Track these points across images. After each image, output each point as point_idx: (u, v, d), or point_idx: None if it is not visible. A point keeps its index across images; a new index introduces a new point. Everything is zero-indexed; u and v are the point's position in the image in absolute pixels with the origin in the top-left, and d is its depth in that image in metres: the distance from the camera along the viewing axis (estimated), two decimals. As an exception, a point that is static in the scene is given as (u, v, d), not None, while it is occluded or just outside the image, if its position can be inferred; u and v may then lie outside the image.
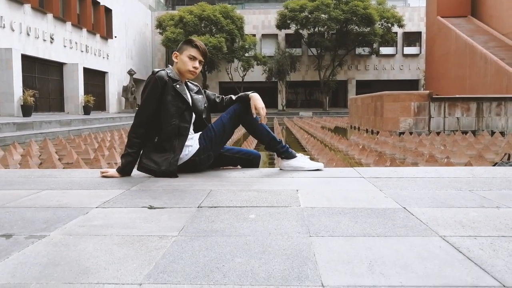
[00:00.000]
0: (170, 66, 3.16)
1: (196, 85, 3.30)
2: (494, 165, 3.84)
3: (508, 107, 12.24)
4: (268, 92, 38.93)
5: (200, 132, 3.14)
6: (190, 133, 3.05)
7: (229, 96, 3.35)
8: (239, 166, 3.44)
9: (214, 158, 3.16)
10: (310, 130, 14.27)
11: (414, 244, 1.51)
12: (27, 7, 18.92)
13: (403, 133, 11.55)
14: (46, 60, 20.88)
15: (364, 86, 38.44)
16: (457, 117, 12.20)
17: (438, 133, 11.33)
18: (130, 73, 28.31)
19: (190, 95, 3.15)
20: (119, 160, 7.01)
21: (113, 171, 3.02)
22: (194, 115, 3.11)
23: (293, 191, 2.44)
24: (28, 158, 6.17)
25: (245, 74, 35.01)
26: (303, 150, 8.79)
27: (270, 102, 38.87)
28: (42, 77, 20.99)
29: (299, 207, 2.06)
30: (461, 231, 1.66)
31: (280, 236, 1.60)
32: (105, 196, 2.33)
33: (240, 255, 1.39)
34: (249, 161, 3.35)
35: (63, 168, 6.12)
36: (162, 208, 2.05)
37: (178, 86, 3.00)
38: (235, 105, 3.18)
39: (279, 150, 3.20)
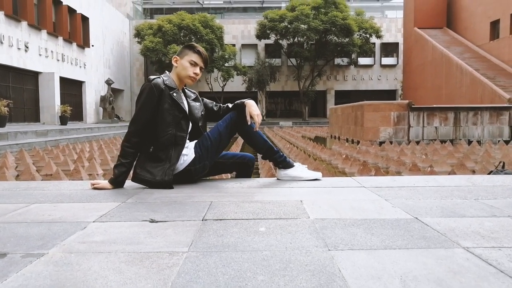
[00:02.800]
0: (167, 72, 3.04)
1: (193, 92, 3.20)
2: (489, 173, 3.83)
3: (484, 117, 12.49)
4: (247, 102, 38.76)
5: (196, 141, 3.04)
6: (186, 142, 2.94)
7: (226, 104, 3.25)
8: (234, 173, 3.34)
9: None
10: (292, 140, 14.25)
11: (439, 257, 1.43)
12: (0, 14, 18.46)
13: (383, 142, 11.64)
14: (21, 69, 20.39)
15: (343, 96, 38.78)
16: (436, 127, 12.39)
17: (417, 142, 11.47)
18: (108, 82, 27.88)
19: (187, 102, 3.05)
20: (100, 171, 6.82)
21: (105, 183, 2.89)
22: (190, 124, 3.00)
23: (297, 202, 2.35)
24: (4, 170, 5.94)
25: (225, 84, 34.92)
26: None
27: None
28: (17, 86, 20.49)
29: (308, 218, 1.97)
30: (482, 242, 1.60)
31: (297, 250, 1.51)
32: (100, 210, 2.20)
33: (262, 272, 1.29)
34: (244, 165, 3.25)
35: (42, 179, 5.91)
36: (165, 221, 1.94)
37: (175, 94, 2.89)
38: (231, 112, 3.09)
39: (277, 159, 3.11)
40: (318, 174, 3.16)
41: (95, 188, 2.87)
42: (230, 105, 3.20)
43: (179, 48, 3.06)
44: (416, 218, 1.97)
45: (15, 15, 19.47)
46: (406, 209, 2.15)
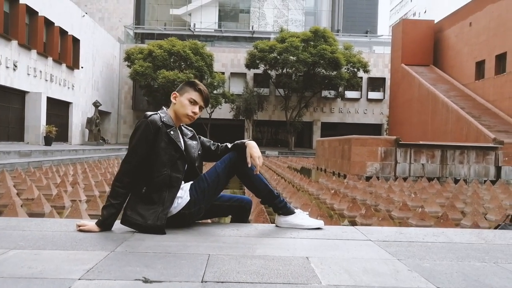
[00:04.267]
0: (164, 108, 2.87)
1: (190, 130, 3.01)
2: (496, 227, 3.69)
3: (470, 156, 12.54)
4: (235, 130, 38.87)
5: (191, 182, 2.84)
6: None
7: (225, 144, 3.07)
8: (230, 216, 3.14)
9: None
10: (278, 170, 14.08)
11: None
12: (-9, 33, 18.29)
13: (370, 177, 11.55)
14: (8, 87, 20.08)
15: (329, 128, 39.01)
16: (422, 164, 12.38)
17: (404, 179, 11.40)
18: (96, 104, 27.61)
19: (183, 140, 2.86)
20: (83, 197, 6.55)
21: (91, 225, 2.65)
22: (186, 164, 2.82)
23: (304, 260, 2.16)
24: (-17, 193, 5.64)
25: (213, 111, 34.85)
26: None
27: (236, 140, 38.61)
28: (2, 105, 20.15)
29: (320, 284, 1.78)
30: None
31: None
32: (87, 261, 1.98)
33: None
34: (242, 208, 3.04)
35: (22, 204, 5.62)
36: (160, 281, 1.73)
37: (172, 132, 2.71)
38: (230, 153, 2.90)
39: (277, 205, 2.92)
40: (320, 223, 2.97)
41: (80, 230, 2.64)
42: (229, 145, 3.02)
43: (180, 85, 2.89)
44: (439, 288, 1.79)
45: (5, 34, 19.28)
46: (424, 275, 1.98)
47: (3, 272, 1.80)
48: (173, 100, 2.83)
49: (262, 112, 36.96)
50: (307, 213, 3.03)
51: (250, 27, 47.71)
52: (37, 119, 21.82)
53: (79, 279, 1.73)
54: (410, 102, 27.67)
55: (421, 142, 13.28)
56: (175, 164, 2.69)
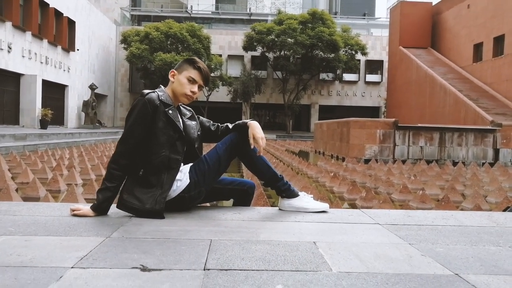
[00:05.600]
0: (161, 87, 2.71)
1: (189, 110, 2.86)
2: (505, 210, 3.59)
3: (469, 138, 12.45)
4: (232, 113, 38.64)
5: (191, 164, 2.70)
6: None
7: (226, 124, 2.92)
8: (231, 200, 3.02)
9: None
10: (276, 154, 13.98)
11: None
12: (-16, 13, 17.92)
13: (369, 160, 11.48)
14: (2, 70, 19.76)
15: (327, 111, 38.84)
16: (421, 146, 12.30)
17: (403, 162, 11.33)
18: (92, 87, 27.30)
19: (182, 120, 2.71)
20: (79, 181, 6.42)
21: (86, 209, 2.52)
22: (185, 146, 2.68)
23: (311, 245, 2.04)
24: (-24, 177, 5.51)
25: (210, 94, 34.58)
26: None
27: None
28: (-3, 87, 19.87)
29: (331, 271, 1.66)
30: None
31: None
32: (81, 248, 1.85)
33: None
34: (244, 192, 2.91)
35: (17, 188, 5.50)
36: (159, 270, 1.60)
37: (170, 111, 2.56)
38: (232, 134, 2.76)
39: (280, 187, 2.79)
40: (325, 206, 2.85)
41: (75, 215, 2.50)
42: (230, 125, 2.87)
43: (178, 63, 2.74)
44: (457, 275, 1.68)
45: (-1, 15, 18.92)
46: (439, 260, 1.86)
47: (-10, 259, 1.67)
48: (171, 79, 2.67)
49: (260, 95, 36.70)
50: (312, 196, 2.90)
51: (248, 9, 47.20)
52: (32, 102, 21.55)
53: (72, 267, 1.61)
54: (408, 85, 27.50)
55: (419, 125, 13.17)
56: (174, 145, 2.56)
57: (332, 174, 7.72)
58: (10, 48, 19.97)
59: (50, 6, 23.63)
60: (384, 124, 12.57)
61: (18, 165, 7.67)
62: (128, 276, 1.53)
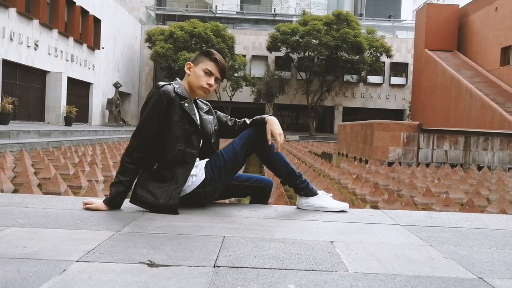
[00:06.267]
0: (178, 79, 2.65)
1: (206, 104, 2.79)
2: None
3: (494, 143, 12.13)
4: (255, 113, 38.21)
5: (207, 159, 2.63)
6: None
7: (243, 119, 2.84)
8: (248, 197, 2.95)
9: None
10: (299, 155, 13.86)
11: None
12: (12, 11, 18.23)
13: (392, 163, 11.29)
14: (29, 67, 20.12)
15: (350, 113, 38.46)
16: (445, 150, 12.05)
17: (427, 165, 11.11)
18: (116, 85, 27.63)
19: (199, 114, 2.65)
20: (100, 178, 6.43)
21: (99, 203, 2.48)
22: (201, 139, 2.61)
23: (328, 244, 1.95)
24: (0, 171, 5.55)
25: (233, 94, 34.64)
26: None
27: (256, 123, 38.50)
28: (23, 84, 20.21)
29: (347, 272, 1.56)
30: None
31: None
32: (89, 241, 1.80)
33: None
34: (261, 189, 2.83)
35: (39, 183, 5.53)
36: (167, 266, 1.54)
37: (186, 104, 2.49)
38: (249, 129, 2.67)
39: (298, 185, 2.70)
40: (344, 205, 2.74)
41: (87, 209, 2.46)
42: (247, 121, 2.79)
43: (194, 55, 2.68)
44: (481, 278, 1.57)
45: (27, 13, 19.24)
46: (462, 263, 1.75)
47: (-4, 250, 1.63)
48: (187, 71, 2.61)
49: (283, 95, 36.57)
50: (331, 195, 2.80)
51: (272, 10, 47.13)
52: (57, 99, 21.88)
53: (77, 261, 1.55)
54: (433, 88, 27.03)
55: (444, 128, 12.91)
56: (189, 139, 2.49)
57: (354, 176, 7.58)
58: (36, 46, 20.33)
59: (77, 4, 23.98)
60: (408, 126, 12.36)
61: (41, 161, 7.75)
62: (134, 271, 1.46)
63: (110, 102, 27.50)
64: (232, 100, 34.90)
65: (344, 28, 31.72)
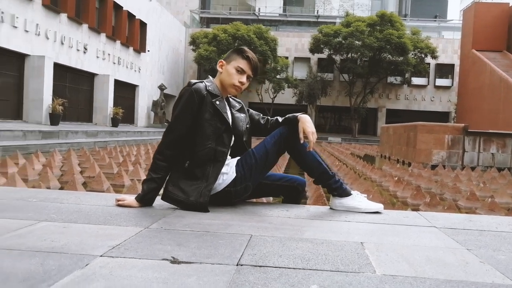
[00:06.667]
0: (210, 77, 2.65)
1: (239, 102, 2.77)
2: None
3: (546, 146, 11.53)
4: (296, 115, 38.44)
5: (238, 158, 2.61)
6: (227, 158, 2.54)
7: (276, 117, 2.80)
8: (281, 197, 2.91)
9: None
10: (340, 157, 13.69)
11: None
12: (64, 16, 18.98)
13: (436, 166, 10.95)
14: (78, 69, 20.86)
15: (394, 115, 37.60)
16: (492, 153, 11.57)
17: (472, 168, 10.69)
18: (161, 88, 28.22)
19: (231, 112, 2.63)
20: (143, 177, 6.53)
21: (131, 200, 2.50)
22: (233, 137, 2.59)
23: (357, 245, 1.88)
24: (48, 170, 5.77)
25: (275, 96, 34.63)
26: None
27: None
28: (73, 86, 20.97)
29: (374, 273, 1.50)
30: None
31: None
32: (116, 237, 1.82)
33: None
34: (294, 189, 2.78)
35: (84, 182, 5.70)
36: (189, 263, 1.52)
37: (218, 102, 2.48)
38: (281, 128, 2.63)
39: (331, 185, 2.63)
40: (379, 206, 2.65)
41: (119, 205, 2.50)
42: (280, 119, 2.75)
43: (227, 53, 2.67)
44: (522, 286, 1.46)
45: (77, 18, 19.99)
46: (500, 268, 1.64)
47: (23, 244, 1.66)
48: (219, 69, 2.60)
49: (326, 97, 36.21)
50: (365, 195, 2.72)
51: (315, 12, 46.76)
52: (104, 100, 22.56)
53: (101, 256, 1.56)
54: (480, 90, 25.98)
55: (491, 131, 12.39)
56: (220, 137, 2.48)
57: (396, 178, 7.39)
58: (85, 49, 21.05)
59: (124, 9, 24.68)
60: (453, 129, 11.97)
61: (87, 160, 7.98)
62: (155, 268, 1.45)
63: (155, 104, 28.10)
64: (274, 102, 34.89)
65: (388, 29, 31.07)
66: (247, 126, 2.70)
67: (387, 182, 7.44)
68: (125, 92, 26.30)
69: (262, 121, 2.80)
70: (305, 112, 27.62)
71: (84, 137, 13.64)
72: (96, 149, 10.71)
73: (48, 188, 4.91)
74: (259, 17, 44.05)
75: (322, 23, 39.28)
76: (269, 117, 2.83)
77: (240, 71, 2.54)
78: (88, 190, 4.95)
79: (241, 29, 31.71)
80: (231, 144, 2.59)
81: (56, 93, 17.84)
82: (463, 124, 12.08)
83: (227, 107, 2.61)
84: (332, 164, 10.25)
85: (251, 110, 2.84)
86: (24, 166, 6.00)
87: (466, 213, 4.69)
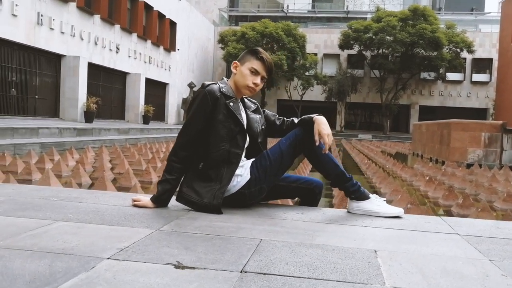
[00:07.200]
0: (224, 78, 2.63)
1: (254, 103, 2.75)
2: None
3: None
4: (326, 112, 37.84)
5: (253, 159, 2.59)
6: (241, 159, 2.52)
7: (291, 118, 2.77)
8: (297, 199, 2.87)
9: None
10: (370, 154, 13.46)
11: None
12: (97, 18, 19.42)
13: (471, 165, 10.60)
14: (111, 69, 21.30)
15: (427, 112, 36.75)
16: (533, 152, 11.12)
17: (511, 168, 10.29)
18: (190, 85, 28.50)
19: (246, 113, 2.61)
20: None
21: (146, 200, 2.52)
22: (248, 139, 2.57)
23: (370, 253, 1.82)
24: (79, 166, 5.92)
25: (304, 93, 34.42)
26: (362, 176, 8.09)
27: (328, 123, 37.82)
28: (106, 85, 21.43)
29: (383, 286, 1.44)
30: None
31: None
32: (126, 239, 1.82)
33: None
34: (310, 191, 2.73)
35: (114, 178, 5.82)
36: (193, 268, 1.51)
37: (232, 104, 2.47)
38: (297, 129, 2.60)
39: (349, 188, 2.58)
40: (399, 211, 2.58)
41: (135, 206, 2.52)
42: (295, 120, 2.71)
43: (241, 53, 2.64)
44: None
45: (109, 19, 20.41)
46: (523, 282, 1.55)
47: (37, 244, 1.69)
48: (233, 70, 2.58)
49: (356, 94, 35.70)
50: (385, 199, 2.64)
51: (345, 7, 46.19)
52: (136, 99, 22.98)
53: (108, 258, 1.57)
54: (521, 85, 25.08)
55: (532, 128, 11.92)
56: (234, 138, 2.46)
57: (427, 178, 7.17)
58: (118, 49, 21.47)
59: (154, 9, 25.02)
60: (490, 126, 11.56)
61: (117, 157, 8.14)
62: (158, 272, 1.45)
63: (184, 102, 28.39)
64: (303, 99, 34.69)
65: (421, 24, 30.33)
66: (263, 127, 2.68)
67: (418, 182, 7.24)
68: (156, 90, 26.66)
69: (277, 122, 2.76)
70: (334, 109, 27.27)
71: (116, 134, 13.91)
72: (127, 146, 10.90)
73: (80, 184, 5.07)
74: (288, 14, 43.83)
75: (352, 18, 38.74)
76: (285, 118, 2.80)
77: (254, 72, 2.51)
78: (117, 186, 5.05)
79: (269, 27, 31.62)
80: (246, 146, 2.57)
81: (90, 91, 18.31)
82: (501, 122, 11.68)
83: (242, 108, 2.59)
84: (361, 162, 10.08)
85: (266, 111, 2.81)
86: (58, 162, 6.19)
87: (502, 215, 4.51)
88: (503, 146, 11.19)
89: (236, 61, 2.59)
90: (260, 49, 2.56)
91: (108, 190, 4.55)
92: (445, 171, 8.79)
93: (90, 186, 5.09)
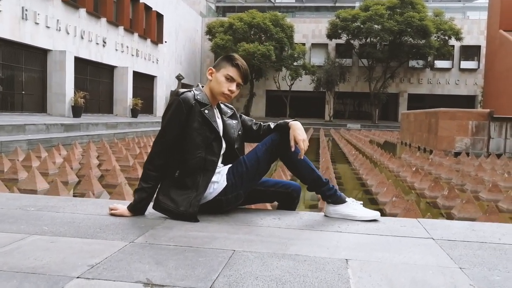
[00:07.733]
0: (199, 85, 2.62)
1: (231, 108, 2.75)
2: None
3: None
4: (315, 102, 38.19)
5: (229, 166, 2.59)
6: (217, 166, 2.52)
7: (268, 123, 2.77)
8: (276, 203, 2.88)
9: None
10: (358, 145, 13.52)
11: None
12: (82, 11, 19.20)
13: (459, 153, 10.69)
14: (98, 63, 21.14)
15: (416, 100, 36.95)
16: (520, 139, 11.21)
17: (498, 156, 10.37)
18: (179, 78, 28.37)
19: (223, 119, 2.62)
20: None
21: (123, 209, 2.51)
22: (224, 145, 2.57)
23: (342, 263, 1.83)
24: (65, 164, 5.88)
25: (293, 83, 34.42)
26: (349, 167, 8.14)
27: (317, 113, 38.11)
28: (94, 79, 21.27)
29: (350, 299, 1.46)
30: None
31: None
32: (98, 254, 1.82)
33: None
34: (288, 195, 2.74)
35: (101, 175, 5.80)
36: (162, 286, 1.51)
37: (206, 111, 2.46)
38: (273, 134, 2.60)
39: (325, 193, 2.59)
40: (375, 214, 2.59)
41: (112, 214, 2.51)
42: (272, 125, 2.72)
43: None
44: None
45: (95, 12, 20.19)
46: (490, 292, 1.58)
47: (6, 264, 1.68)
48: (208, 77, 2.57)
49: (344, 83, 35.79)
50: (361, 203, 2.66)
51: (333, -4, 46.09)
52: (124, 92, 22.86)
53: (77, 277, 1.57)
54: (509, 72, 25.11)
55: (519, 116, 11.99)
56: (210, 146, 2.46)
57: (414, 168, 7.21)
58: (105, 43, 21.28)
59: (141, 1, 24.82)
60: (477, 115, 11.63)
61: (105, 153, 8.08)
62: (126, 293, 1.45)
63: (173, 94, 28.25)
64: (292, 89, 34.68)
65: (409, 12, 30.40)
66: (239, 132, 2.68)
67: (404, 173, 7.28)
68: (144, 83, 26.52)
69: (254, 127, 2.76)
70: (323, 98, 27.28)
71: (104, 129, 13.85)
72: (115, 141, 10.84)
73: (67, 183, 5.09)
74: (275, 4, 43.69)
75: (339, 7, 38.73)
76: (261, 123, 2.80)
77: (230, 79, 2.50)
78: (103, 184, 5.05)
79: (257, 17, 31.51)
80: (222, 152, 2.57)
81: (77, 86, 18.19)
82: (488, 110, 11.74)
83: (218, 115, 2.59)
84: (349, 153, 10.11)
85: (243, 116, 2.81)
86: (45, 160, 6.15)
87: (487, 205, 4.53)
88: (490, 134, 11.28)
89: (212, 68, 2.58)
90: (235, 55, 2.55)
91: (94, 188, 4.56)
92: (432, 161, 8.85)
93: (77, 185, 5.09)
